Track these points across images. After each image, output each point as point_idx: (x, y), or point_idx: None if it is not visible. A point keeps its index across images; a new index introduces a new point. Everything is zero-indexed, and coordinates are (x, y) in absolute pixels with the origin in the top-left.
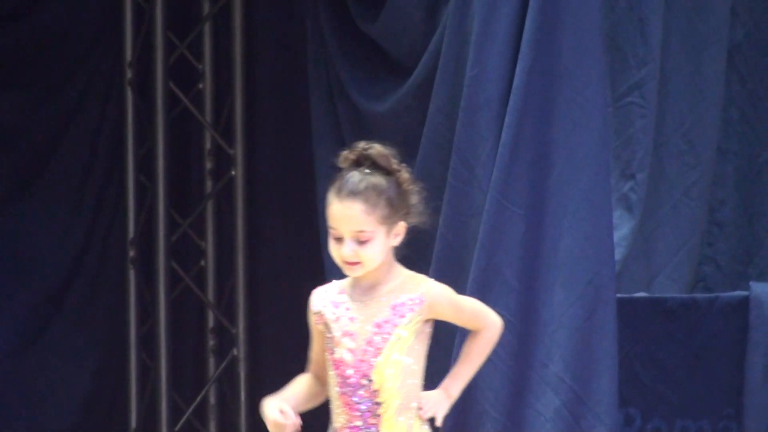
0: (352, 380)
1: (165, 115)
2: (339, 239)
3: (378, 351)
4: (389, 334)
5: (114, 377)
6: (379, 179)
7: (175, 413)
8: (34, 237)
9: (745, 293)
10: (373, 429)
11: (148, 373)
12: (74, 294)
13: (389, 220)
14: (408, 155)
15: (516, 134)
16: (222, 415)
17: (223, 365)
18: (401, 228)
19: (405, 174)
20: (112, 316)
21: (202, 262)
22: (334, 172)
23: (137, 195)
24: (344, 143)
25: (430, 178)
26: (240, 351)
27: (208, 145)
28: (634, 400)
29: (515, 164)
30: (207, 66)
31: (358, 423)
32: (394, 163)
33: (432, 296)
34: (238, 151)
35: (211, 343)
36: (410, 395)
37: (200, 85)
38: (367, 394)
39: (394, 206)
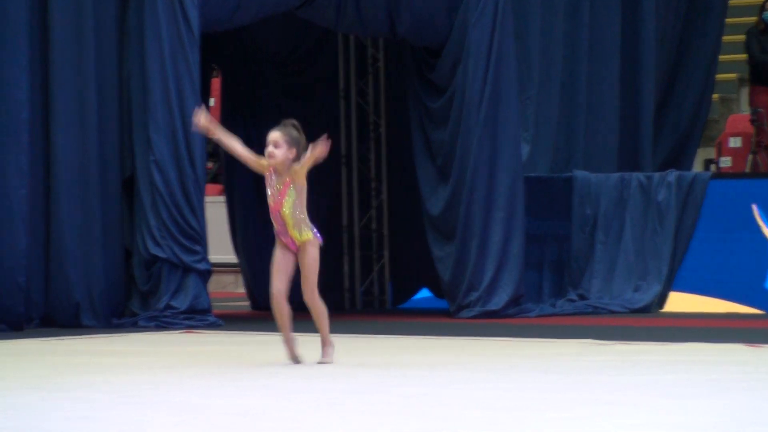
0: (275, 213)
1: None
2: (267, 145)
3: (281, 199)
4: (285, 194)
5: None
6: (292, 130)
7: None
8: None
9: None
10: (286, 231)
11: None
12: None
13: (290, 144)
14: None
15: None
16: None
17: None
18: (293, 153)
19: (303, 135)
20: None
21: None
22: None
23: None
24: None
25: None
26: None
27: None
28: None
29: None
30: None
31: (279, 228)
32: (300, 130)
33: (292, 175)
34: None
35: None
36: (298, 217)
37: None
38: (280, 218)
39: (294, 140)
